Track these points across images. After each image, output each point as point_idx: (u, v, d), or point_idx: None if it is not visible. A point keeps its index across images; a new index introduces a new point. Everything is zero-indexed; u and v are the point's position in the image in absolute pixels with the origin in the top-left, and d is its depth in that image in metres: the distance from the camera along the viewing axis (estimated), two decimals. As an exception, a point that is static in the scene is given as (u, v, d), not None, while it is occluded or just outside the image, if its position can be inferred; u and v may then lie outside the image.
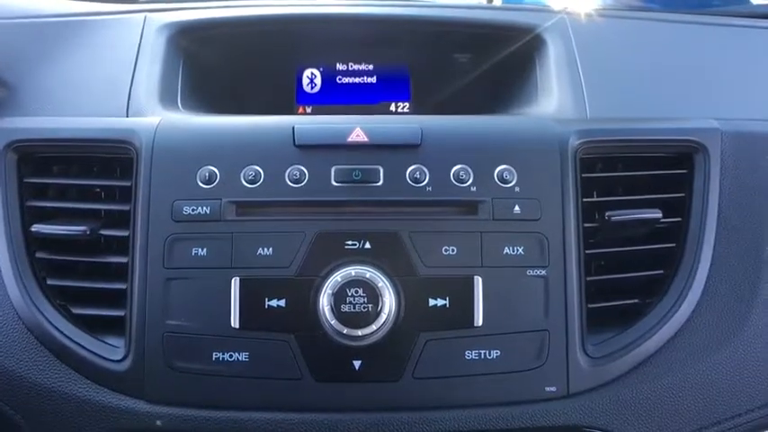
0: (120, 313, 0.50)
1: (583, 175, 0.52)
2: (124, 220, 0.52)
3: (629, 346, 0.50)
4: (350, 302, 0.46)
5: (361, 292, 0.47)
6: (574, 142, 0.52)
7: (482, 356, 0.48)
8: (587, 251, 0.52)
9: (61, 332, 0.50)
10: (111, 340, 0.50)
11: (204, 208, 0.50)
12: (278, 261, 0.49)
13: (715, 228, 0.53)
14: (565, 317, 0.49)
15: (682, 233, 0.54)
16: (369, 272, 0.47)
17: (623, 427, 0.50)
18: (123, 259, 0.51)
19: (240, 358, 0.48)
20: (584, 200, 0.52)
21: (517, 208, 0.50)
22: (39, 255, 0.53)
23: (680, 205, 0.54)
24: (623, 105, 0.58)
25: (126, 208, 0.52)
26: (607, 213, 0.52)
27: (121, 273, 0.51)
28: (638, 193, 0.54)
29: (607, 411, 0.50)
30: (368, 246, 0.49)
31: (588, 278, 0.51)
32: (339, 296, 0.47)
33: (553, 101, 0.59)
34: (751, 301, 0.52)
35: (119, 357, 0.49)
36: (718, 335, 0.52)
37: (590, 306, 0.51)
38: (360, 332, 0.46)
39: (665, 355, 0.51)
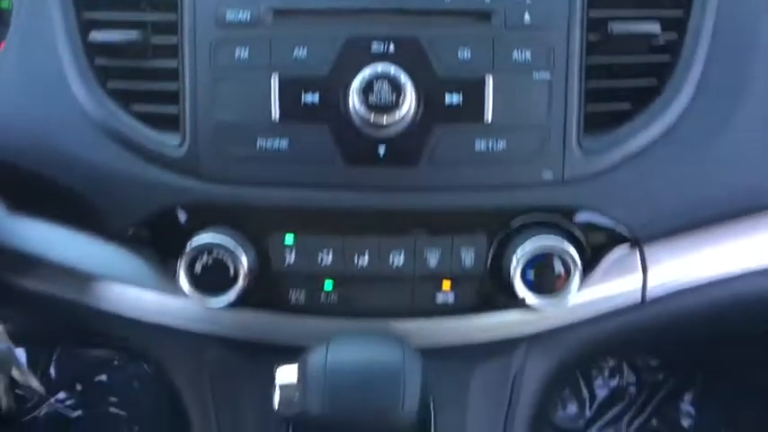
0: (175, 110, 0.58)
1: None
2: (172, 28, 0.58)
3: (620, 141, 0.57)
4: (376, 93, 0.53)
5: (386, 85, 0.53)
6: None
7: (490, 147, 0.56)
8: (588, 60, 0.57)
9: (125, 125, 0.58)
10: (169, 133, 0.58)
11: (244, 13, 0.56)
12: (312, 61, 0.55)
13: (709, 41, 0.58)
14: (564, 115, 0.56)
15: (677, 47, 0.59)
16: (393, 68, 0.54)
17: (612, 211, 0.58)
18: (173, 63, 0.58)
19: (281, 145, 0.56)
20: (590, 12, 0.57)
21: (527, 17, 0.56)
22: (97, 61, 0.60)
23: (678, 22, 0.59)
24: None
25: (173, 17, 0.58)
26: (609, 25, 0.57)
27: (173, 75, 0.58)
28: (640, 8, 0.59)
29: (597, 196, 0.57)
30: (392, 48, 0.55)
31: (588, 84, 0.57)
32: (367, 89, 0.53)
33: None
34: (740, 100, 0.58)
35: (176, 145, 0.57)
36: (708, 131, 0.58)
37: (587, 108, 0.57)
38: (384, 120, 0.53)
39: (656, 148, 0.57)
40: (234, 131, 0.56)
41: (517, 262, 0.55)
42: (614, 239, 0.59)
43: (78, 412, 1.34)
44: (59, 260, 0.63)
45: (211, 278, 0.55)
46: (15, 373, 0.64)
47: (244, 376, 0.63)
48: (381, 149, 0.55)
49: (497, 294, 0.58)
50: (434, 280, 0.58)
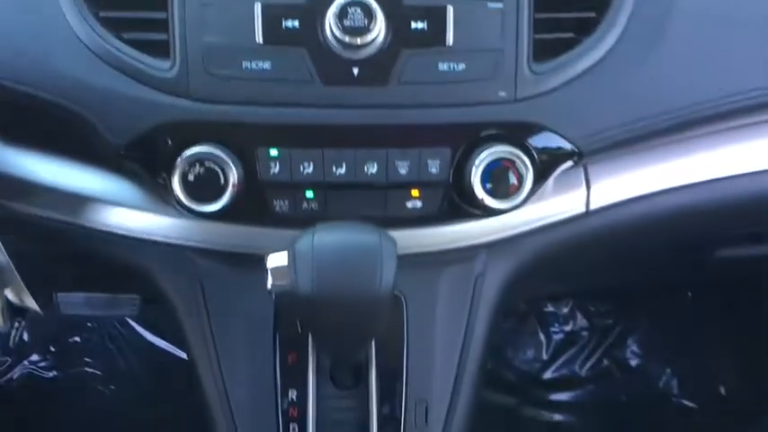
0: (164, 36, 0.63)
1: None
2: None
3: (566, 65, 0.65)
4: (350, 18, 0.59)
5: (359, 10, 0.59)
6: None
7: (451, 68, 0.62)
8: None
9: (118, 50, 0.63)
10: (160, 58, 0.63)
11: None
12: None
13: None
14: (516, 41, 0.63)
15: None
16: None
17: (559, 126, 0.65)
18: None
19: (264, 66, 0.62)
20: None
21: None
22: None
23: None
24: None
25: None
26: None
27: (161, 4, 0.63)
28: None
29: (546, 113, 0.65)
30: None
31: (536, 15, 0.65)
32: (342, 15, 0.59)
33: None
34: (669, 23, 0.66)
35: (167, 68, 0.62)
36: (642, 52, 0.66)
37: (536, 36, 0.65)
38: (358, 41, 0.60)
39: (597, 69, 0.65)
40: (221, 55, 0.62)
41: (476, 168, 0.62)
42: (561, 153, 0.66)
43: (53, 373, 1.37)
44: (54, 185, 0.67)
45: (204, 186, 0.61)
46: (10, 292, 0.67)
47: (233, 285, 0.69)
48: (355, 70, 0.61)
49: (460, 202, 0.66)
50: (404, 188, 0.65)
